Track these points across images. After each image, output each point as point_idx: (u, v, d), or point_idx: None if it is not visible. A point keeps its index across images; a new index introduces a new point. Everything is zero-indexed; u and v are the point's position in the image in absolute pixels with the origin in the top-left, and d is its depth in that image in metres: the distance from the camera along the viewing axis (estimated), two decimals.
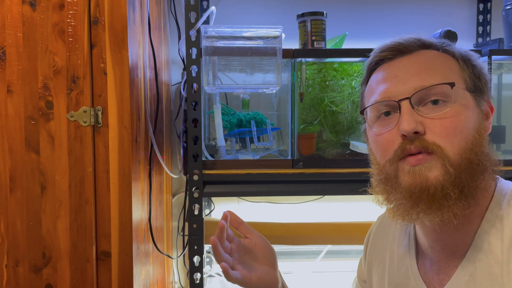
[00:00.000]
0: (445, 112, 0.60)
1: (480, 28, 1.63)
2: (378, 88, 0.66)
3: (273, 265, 0.80)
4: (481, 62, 0.67)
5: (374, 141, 0.67)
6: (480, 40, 1.63)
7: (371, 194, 0.69)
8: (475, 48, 1.40)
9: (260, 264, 0.78)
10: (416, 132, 0.60)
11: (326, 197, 1.56)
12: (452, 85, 0.61)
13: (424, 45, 0.66)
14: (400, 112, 0.62)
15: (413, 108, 0.61)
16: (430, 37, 0.68)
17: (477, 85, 0.64)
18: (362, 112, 0.71)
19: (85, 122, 0.99)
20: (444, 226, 0.61)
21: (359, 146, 1.23)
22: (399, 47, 0.66)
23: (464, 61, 0.65)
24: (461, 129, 0.60)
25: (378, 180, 0.66)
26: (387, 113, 0.65)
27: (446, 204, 0.58)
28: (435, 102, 0.61)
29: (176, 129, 1.52)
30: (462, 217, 0.60)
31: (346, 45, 1.36)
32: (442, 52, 0.66)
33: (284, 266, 1.63)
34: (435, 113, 0.61)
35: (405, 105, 0.62)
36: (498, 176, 0.65)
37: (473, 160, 0.60)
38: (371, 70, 0.70)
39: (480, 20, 1.63)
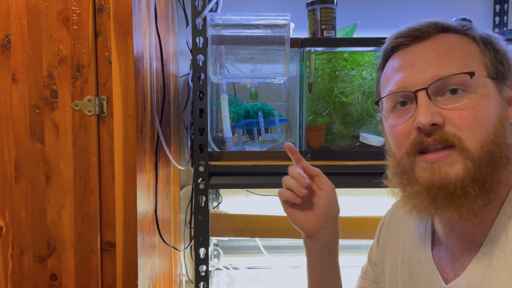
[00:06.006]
0: (465, 102, 0.57)
1: (497, 19, 1.58)
2: (394, 77, 0.63)
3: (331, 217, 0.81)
4: (504, 44, 0.63)
5: (390, 133, 0.65)
6: (497, 30, 1.58)
7: (386, 185, 0.67)
8: None
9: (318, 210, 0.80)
10: (434, 124, 0.57)
11: (337, 191, 1.53)
12: (471, 74, 0.57)
13: (442, 29, 0.63)
14: (416, 103, 0.59)
15: (430, 99, 0.58)
16: (449, 20, 0.63)
17: (500, 71, 0.61)
18: (377, 103, 0.68)
19: (89, 112, 0.98)
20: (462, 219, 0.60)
21: (369, 138, 1.20)
22: (415, 33, 0.63)
23: (485, 45, 0.61)
24: (481, 120, 0.57)
25: (394, 173, 0.64)
26: (403, 103, 0.62)
27: (465, 202, 0.56)
28: (453, 91, 0.58)
29: (184, 121, 1.51)
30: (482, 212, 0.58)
31: (357, 35, 1.32)
32: (462, 36, 0.62)
33: (293, 260, 1.61)
34: (454, 103, 0.57)
35: (421, 96, 0.58)
36: None
37: (495, 153, 0.57)
38: (387, 57, 0.67)
39: (497, 10, 1.58)
